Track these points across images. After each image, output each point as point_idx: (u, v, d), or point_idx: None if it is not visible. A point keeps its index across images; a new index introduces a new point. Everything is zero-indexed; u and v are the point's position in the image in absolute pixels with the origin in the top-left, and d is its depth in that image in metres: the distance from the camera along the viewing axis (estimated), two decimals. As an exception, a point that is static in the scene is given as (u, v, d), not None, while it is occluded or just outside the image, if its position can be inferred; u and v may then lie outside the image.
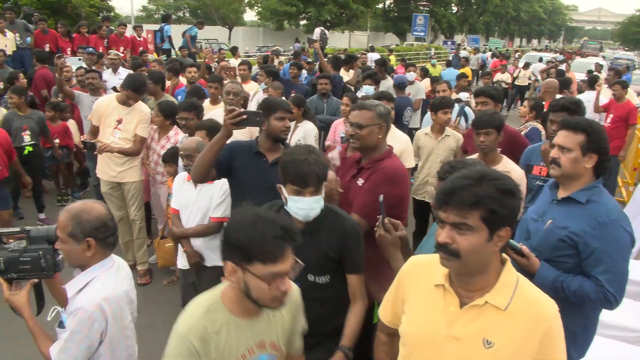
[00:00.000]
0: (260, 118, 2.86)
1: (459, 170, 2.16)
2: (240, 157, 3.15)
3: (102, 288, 2.07)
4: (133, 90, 4.75)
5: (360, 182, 2.88)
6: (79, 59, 8.70)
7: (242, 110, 2.83)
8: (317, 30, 15.06)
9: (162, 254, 4.62)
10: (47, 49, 9.99)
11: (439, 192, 1.60)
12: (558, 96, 5.79)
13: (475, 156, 3.55)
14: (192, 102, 4.76)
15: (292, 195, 2.27)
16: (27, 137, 6.13)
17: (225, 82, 5.71)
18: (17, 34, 10.12)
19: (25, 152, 6.14)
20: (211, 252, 3.69)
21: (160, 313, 4.60)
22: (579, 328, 2.51)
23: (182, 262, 3.78)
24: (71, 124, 7.11)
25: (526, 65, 16.42)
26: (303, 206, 2.26)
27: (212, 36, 28.60)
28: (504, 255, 1.66)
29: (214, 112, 5.21)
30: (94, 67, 7.72)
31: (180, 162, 3.89)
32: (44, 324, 2.17)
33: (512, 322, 1.57)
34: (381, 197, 2.36)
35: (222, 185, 3.54)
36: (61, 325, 2.11)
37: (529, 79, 16.19)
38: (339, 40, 37.95)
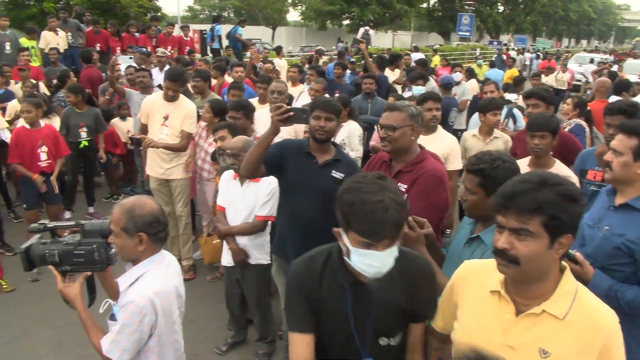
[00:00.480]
0: (306, 115, 2.88)
1: (486, 162, 2.14)
2: (290, 156, 3.15)
3: (153, 282, 2.10)
4: (170, 80, 4.84)
5: (401, 187, 2.77)
6: (130, 58, 8.92)
7: (289, 107, 2.85)
8: (362, 30, 15.02)
9: (209, 251, 4.69)
10: (97, 48, 10.30)
11: (497, 195, 1.55)
12: (614, 98, 5.59)
13: (526, 159, 3.45)
14: (240, 101, 4.78)
15: (359, 248, 1.67)
16: (83, 134, 6.36)
17: (271, 82, 5.75)
18: (70, 33, 10.49)
19: (81, 145, 6.40)
20: (256, 250, 3.73)
21: (203, 308, 4.67)
22: (634, 340, 2.39)
23: (227, 259, 3.83)
24: (129, 121, 7.25)
25: (564, 68, 15.81)
26: (374, 263, 1.67)
27: (255, 36, 28.85)
28: (564, 262, 1.60)
29: (261, 110, 5.26)
30: (143, 66, 7.92)
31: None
32: (96, 316, 2.23)
33: (570, 331, 1.52)
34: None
35: (268, 184, 3.57)
36: (112, 317, 2.16)
37: (578, 80, 15.59)
38: (383, 40, 37.71)
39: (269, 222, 3.70)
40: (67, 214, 6.40)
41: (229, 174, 3.79)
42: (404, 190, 2.75)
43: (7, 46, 9.57)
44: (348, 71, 9.91)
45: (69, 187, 6.54)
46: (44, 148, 5.22)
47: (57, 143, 5.43)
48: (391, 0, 34.60)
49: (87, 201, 6.76)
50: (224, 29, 13.98)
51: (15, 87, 7.81)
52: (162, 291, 2.12)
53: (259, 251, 3.75)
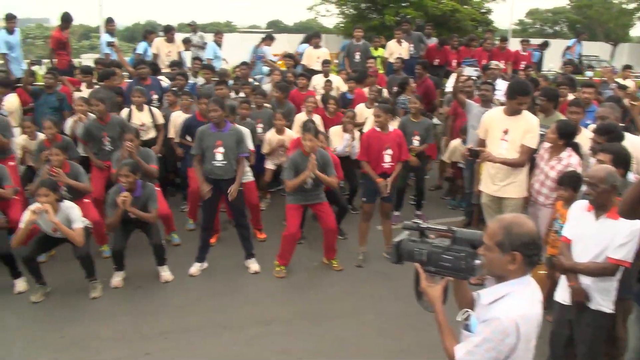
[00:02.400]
0: None
1: None
2: None
3: (519, 305, 2.05)
4: (523, 95, 4.73)
5: None
6: (475, 70, 9.10)
7: None
8: None
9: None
10: (435, 62, 10.82)
11: None
12: None
13: None
14: (607, 125, 4.27)
15: None
16: (415, 142, 6.73)
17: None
18: (412, 45, 11.25)
19: (413, 154, 6.73)
20: (599, 295, 3.35)
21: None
22: None
23: (562, 296, 3.53)
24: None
25: None
26: None
27: (592, 52, 26.29)
28: None
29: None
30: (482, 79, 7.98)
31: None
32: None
33: None
34: None
35: (631, 224, 3.12)
36: (467, 328, 2.17)
37: None
38: None
39: (621, 267, 3.26)
40: (396, 213, 6.90)
41: (582, 204, 3.46)
42: None
43: (357, 55, 10.82)
44: None
45: (399, 189, 7.00)
46: (389, 151, 5.63)
47: (401, 147, 5.77)
48: None
49: (416, 204, 7.20)
50: (557, 44, 13.12)
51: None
52: (527, 316, 2.05)
53: (603, 296, 3.34)
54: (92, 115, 6.57)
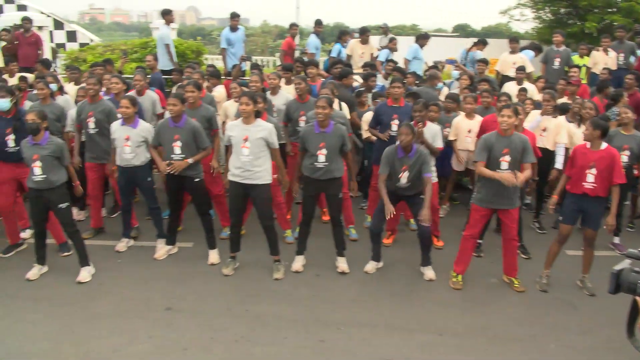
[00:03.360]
0: None
1: None
2: None
3: None
4: None
5: None
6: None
7: None
8: None
9: None
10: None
11: None
12: None
13: None
14: None
15: None
16: (624, 157, 5.95)
17: None
18: (622, 54, 10.13)
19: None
20: None
21: None
22: None
23: None
24: None
25: None
26: None
27: None
28: None
29: None
30: None
31: None
32: None
33: None
34: None
35: None
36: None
37: None
38: None
39: None
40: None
41: None
42: None
43: (556, 62, 10.04)
44: None
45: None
46: (594, 170, 5.10)
47: (611, 168, 5.11)
48: None
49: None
50: None
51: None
52: None
53: None
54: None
